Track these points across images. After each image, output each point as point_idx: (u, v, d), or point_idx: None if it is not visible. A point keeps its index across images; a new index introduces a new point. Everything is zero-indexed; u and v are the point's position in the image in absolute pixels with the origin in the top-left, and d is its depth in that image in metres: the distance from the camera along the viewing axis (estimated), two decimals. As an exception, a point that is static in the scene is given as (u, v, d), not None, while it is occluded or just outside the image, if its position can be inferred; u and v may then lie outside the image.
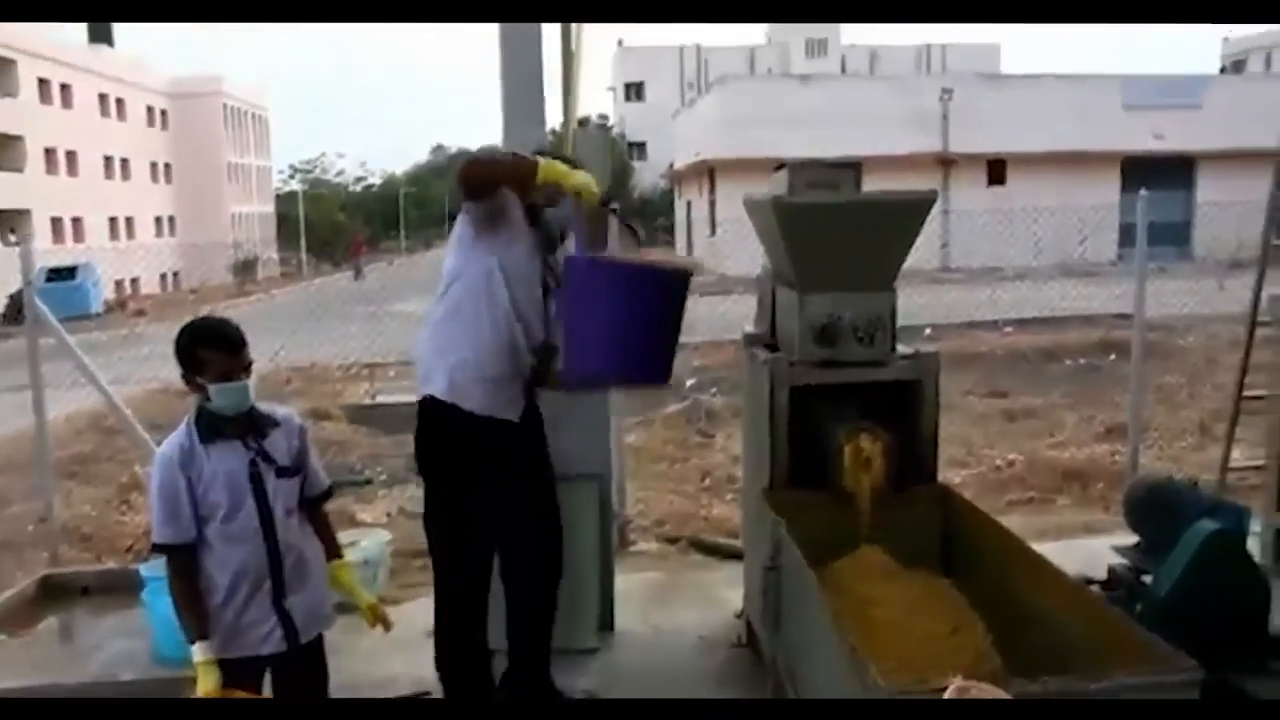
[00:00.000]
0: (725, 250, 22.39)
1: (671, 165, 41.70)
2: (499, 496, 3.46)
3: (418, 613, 4.53)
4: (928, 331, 14.04)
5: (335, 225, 52.06)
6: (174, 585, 2.77)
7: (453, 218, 3.61)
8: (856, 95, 31.69)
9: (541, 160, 3.20)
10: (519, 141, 4.07)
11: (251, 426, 2.79)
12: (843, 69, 51.59)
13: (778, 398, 3.44)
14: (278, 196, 61.70)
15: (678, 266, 3.23)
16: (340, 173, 68.39)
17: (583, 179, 3.18)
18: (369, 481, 7.59)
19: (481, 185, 3.26)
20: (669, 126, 43.14)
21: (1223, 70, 51.94)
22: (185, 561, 2.76)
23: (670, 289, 3.14)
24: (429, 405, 3.40)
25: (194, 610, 2.74)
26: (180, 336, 2.77)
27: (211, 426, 2.75)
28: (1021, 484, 7.01)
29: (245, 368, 2.75)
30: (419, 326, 3.56)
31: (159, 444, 2.95)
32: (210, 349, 2.72)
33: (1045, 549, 4.98)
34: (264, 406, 2.87)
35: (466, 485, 3.45)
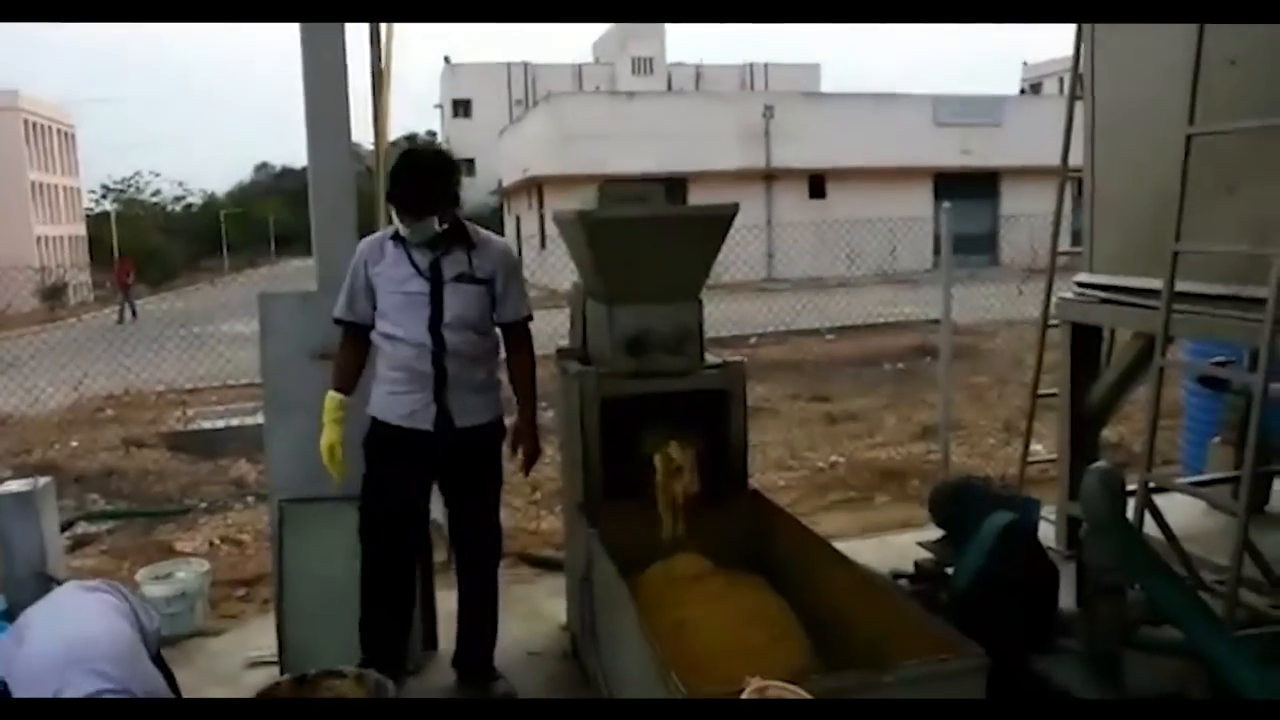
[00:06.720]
0: (555, 263, 22.44)
1: (500, 182, 41.47)
2: None
3: (236, 644, 4.35)
4: (754, 339, 14.42)
5: (152, 248, 49.42)
6: None
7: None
8: (683, 112, 32.24)
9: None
10: (325, 157, 3.98)
11: None
12: (669, 87, 52.45)
13: (589, 410, 3.45)
14: (89, 218, 58.36)
15: None
16: (157, 192, 65.36)
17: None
18: (188, 510, 7.22)
19: None
20: (497, 143, 42.90)
21: (1022, 92, 55.55)
22: None
23: None
24: None
25: None
26: None
27: None
28: (843, 484, 7.23)
29: None
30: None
31: None
32: None
33: (864, 545, 5.22)
34: None
35: None
